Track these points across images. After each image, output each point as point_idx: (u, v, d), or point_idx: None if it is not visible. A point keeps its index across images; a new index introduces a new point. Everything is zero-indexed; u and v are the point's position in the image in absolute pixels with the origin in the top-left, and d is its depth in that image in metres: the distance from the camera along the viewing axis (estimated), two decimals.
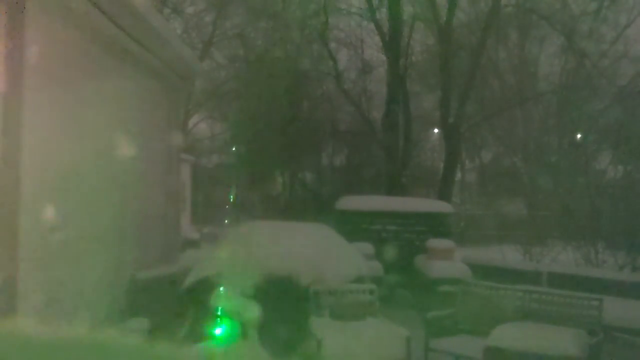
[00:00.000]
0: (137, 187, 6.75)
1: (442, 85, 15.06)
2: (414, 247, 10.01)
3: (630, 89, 14.88)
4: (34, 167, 4.26)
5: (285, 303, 5.57)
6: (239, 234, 7.16)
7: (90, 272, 5.42)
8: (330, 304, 5.87)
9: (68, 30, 4.90)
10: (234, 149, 21.19)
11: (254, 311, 4.88)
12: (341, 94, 17.49)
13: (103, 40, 5.65)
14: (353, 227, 9.91)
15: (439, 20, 14.61)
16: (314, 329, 5.33)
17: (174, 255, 8.02)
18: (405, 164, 15.45)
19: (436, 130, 20.25)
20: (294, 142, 16.97)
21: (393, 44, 15.00)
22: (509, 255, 10.20)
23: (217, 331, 4.86)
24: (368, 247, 9.21)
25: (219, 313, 4.99)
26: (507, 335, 5.12)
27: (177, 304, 6.07)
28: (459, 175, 21.32)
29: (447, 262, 8.96)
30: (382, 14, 15.45)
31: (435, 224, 10.55)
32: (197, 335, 5.11)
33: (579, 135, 17.19)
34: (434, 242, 9.39)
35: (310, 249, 6.41)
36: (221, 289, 5.37)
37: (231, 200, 19.05)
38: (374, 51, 17.09)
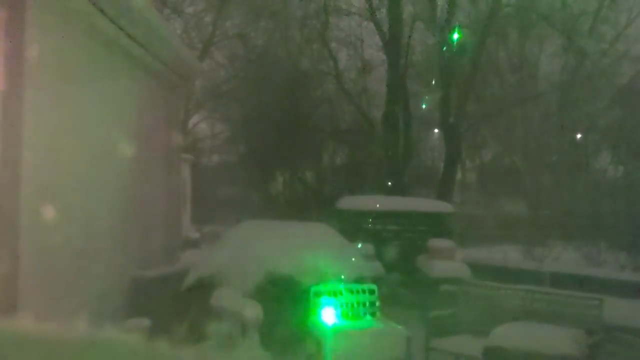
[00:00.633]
0: (138, 187, 6.75)
1: (442, 85, 15.05)
2: (414, 247, 10.00)
3: (630, 88, 14.87)
4: (34, 167, 4.26)
5: (285, 303, 5.56)
6: (239, 233, 7.15)
7: (91, 272, 5.42)
8: (330, 304, 5.86)
9: (68, 30, 4.90)
10: (233, 148, 21.19)
11: (254, 311, 4.88)
12: (341, 93, 17.48)
13: (103, 40, 5.65)
14: (353, 227, 9.90)
15: (439, 20, 14.60)
16: (314, 329, 5.32)
17: (174, 255, 8.02)
18: (405, 164, 15.44)
19: (436, 130, 20.23)
20: (294, 142, 16.95)
21: (393, 44, 14.98)
22: (510, 255, 10.20)
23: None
24: (368, 247, 9.20)
25: (218, 313, 4.99)
26: (507, 335, 5.11)
27: (177, 303, 6.07)
28: (459, 175, 21.30)
29: (448, 261, 8.96)
30: (382, 14, 15.44)
31: (435, 224, 10.54)
32: (197, 335, 5.11)
33: (579, 135, 17.19)
34: (435, 242, 9.38)
35: (311, 249, 6.40)
36: (221, 288, 5.36)
37: (231, 199, 19.04)
38: (374, 51, 17.07)
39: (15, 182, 4.10)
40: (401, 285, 9.32)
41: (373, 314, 5.91)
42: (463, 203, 20.61)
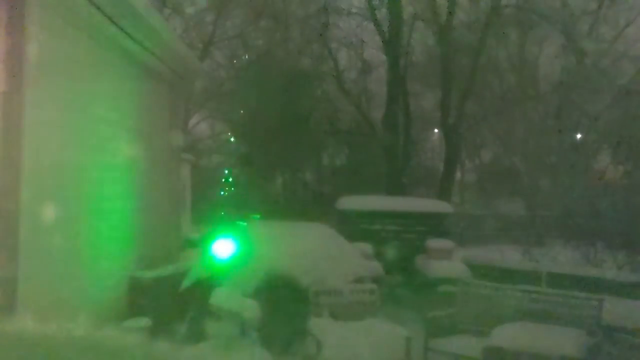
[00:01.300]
0: (138, 187, 6.75)
1: (442, 85, 15.06)
2: (413, 247, 10.00)
3: (630, 88, 14.87)
4: (34, 167, 4.26)
5: (285, 303, 5.57)
6: (239, 234, 7.15)
7: (91, 272, 5.43)
8: (330, 304, 5.87)
9: (68, 30, 4.90)
10: (234, 148, 21.19)
11: (254, 311, 4.88)
12: (341, 94, 17.48)
13: (103, 40, 5.65)
14: (353, 227, 9.91)
15: (439, 20, 14.61)
16: (314, 329, 5.33)
17: (175, 255, 8.03)
18: (405, 164, 15.45)
19: (436, 130, 20.24)
20: (294, 142, 16.95)
21: (393, 44, 14.99)
22: (509, 255, 10.20)
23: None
24: (368, 247, 9.20)
25: (218, 313, 5.00)
26: (506, 335, 5.12)
27: (177, 303, 6.08)
28: (458, 175, 21.32)
29: (447, 262, 8.97)
30: (382, 14, 15.44)
31: (435, 224, 10.55)
32: (197, 335, 5.11)
33: (579, 135, 17.18)
34: (434, 242, 9.39)
35: (310, 249, 6.41)
36: (221, 288, 5.37)
37: (231, 199, 19.05)
38: (374, 51, 17.08)
39: (16, 182, 4.10)
40: (400, 286, 9.33)
41: (373, 314, 5.91)
42: (462, 203, 20.63)
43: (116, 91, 6.16)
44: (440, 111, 15.39)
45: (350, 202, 11.21)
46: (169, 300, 6.13)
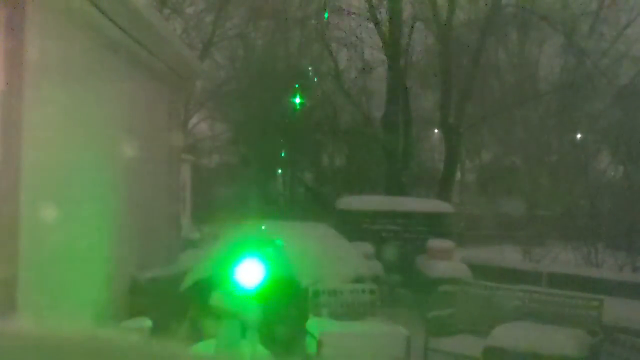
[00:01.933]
0: (138, 187, 6.75)
1: (442, 85, 15.05)
2: (414, 246, 10.01)
3: (630, 89, 14.87)
4: (34, 167, 4.26)
5: (285, 303, 5.57)
6: (239, 234, 7.15)
7: (91, 272, 5.42)
8: (330, 304, 5.87)
9: (68, 30, 4.90)
10: (234, 149, 21.19)
11: (254, 311, 4.88)
12: (341, 93, 17.48)
13: (103, 40, 5.65)
14: (353, 227, 9.92)
15: (439, 20, 14.60)
16: (314, 329, 5.33)
17: (175, 255, 8.03)
18: (405, 164, 15.44)
19: (436, 130, 20.23)
20: (294, 142, 16.96)
21: (393, 44, 14.99)
22: (509, 256, 10.20)
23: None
24: (368, 247, 9.21)
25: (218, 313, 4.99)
26: (506, 335, 5.12)
27: (177, 304, 6.07)
28: (459, 175, 21.31)
29: (447, 262, 8.97)
30: (382, 14, 15.44)
31: (435, 224, 10.55)
32: (197, 335, 5.11)
33: (579, 135, 17.18)
34: (434, 242, 9.39)
35: (311, 249, 6.41)
36: (221, 288, 5.36)
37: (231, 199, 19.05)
38: (374, 51, 17.07)
39: (15, 183, 4.10)
40: (400, 285, 9.34)
41: (373, 314, 5.92)
42: (462, 203, 20.62)
43: (116, 91, 6.16)
44: (440, 111, 15.37)
45: (350, 202, 11.22)
46: (169, 300, 6.13)
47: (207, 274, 5.86)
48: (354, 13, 16.30)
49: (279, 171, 19.40)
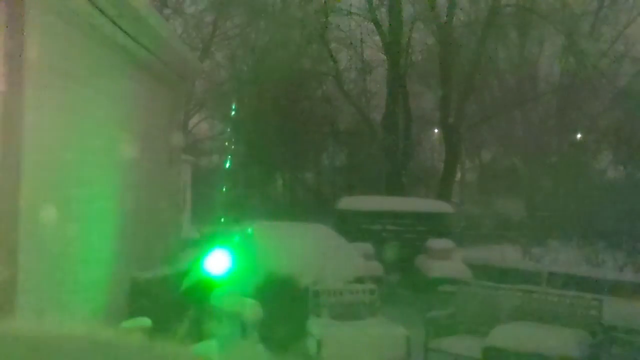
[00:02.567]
0: (138, 187, 6.75)
1: (442, 85, 15.06)
2: (414, 247, 10.01)
3: (630, 89, 14.88)
4: (34, 167, 4.26)
5: (285, 303, 5.57)
6: (239, 234, 7.16)
7: (91, 272, 5.42)
8: (330, 304, 5.87)
9: (68, 30, 4.90)
10: (234, 149, 21.20)
11: (254, 311, 4.88)
12: (341, 94, 17.49)
13: (103, 40, 5.65)
14: (353, 227, 9.92)
15: (439, 20, 14.61)
16: (314, 329, 5.33)
17: (175, 255, 8.03)
18: (405, 164, 15.45)
19: (436, 130, 20.24)
20: (294, 142, 16.96)
21: (393, 44, 15.00)
22: (509, 255, 10.21)
23: None
24: (368, 247, 9.21)
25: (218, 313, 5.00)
26: (506, 335, 5.12)
27: (177, 303, 6.08)
28: (458, 175, 21.31)
29: (447, 262, 8.97)
30: (382, 14, 15.45)
31: (435, 224, 10.55)
32: (197, 335, 5.11)
33: (579, 135, 17.19)
34: (434, 242, 9.39)
35: (311, 249, 6.42)
36: (221, 288, 5.37)
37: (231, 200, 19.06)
38: (374, 51, 17.09)
39: (16, 182, 4.10)
40: (400, 286, 9.34)
41: (373, 314, 5.92)
42: (462, 203, 20.62)
43: (116, 91, 6.16)
44: (440, 111, 15.39)
45: (350, 202, 11.23)
46: (169, 300, 6.13)
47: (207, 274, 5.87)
48: (354, 13, 16.31)
49: (279, 171, 19.40)
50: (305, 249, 6.36)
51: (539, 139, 16.81)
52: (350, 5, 16.15)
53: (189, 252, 8.51)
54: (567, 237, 10.73)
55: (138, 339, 1.37)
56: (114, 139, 6.04)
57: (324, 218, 10.43)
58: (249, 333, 4.68)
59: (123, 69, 6.38)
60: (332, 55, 17.25)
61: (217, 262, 5.68)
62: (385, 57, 15.72)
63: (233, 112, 19.91)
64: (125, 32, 5.90)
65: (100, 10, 5.21)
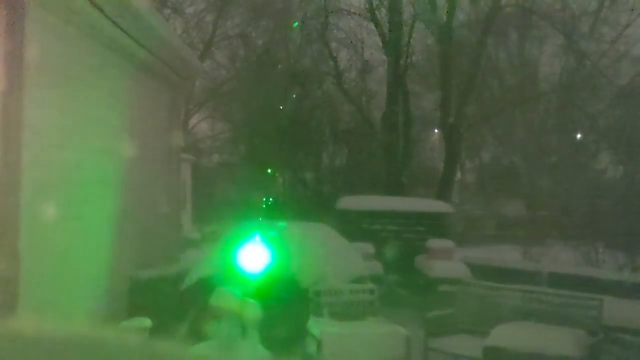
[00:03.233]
0: (138, 187, 6.75)
1: (442, 85, 15.06)
2: (413, 247, 10.01)
3: (630, 89, 14.87)
4: (34, 167, 4.26)
5: (285, 303, 5.56)
6: (239, 234, 7.15)
7: (91, 272, 5.43)
8: (330, 304, 5.86)
9: (68, 30, 4.90)
10: (234, 148, 21.21)
11: (254, 311, 4.88)
12: (341, 94, 17.49)
13: (103, 40, 5.65)
14: (353, 227, 9.91)
15: (439, 20, 14.61)
16: (314, 329, 5.33)
17: (175, 255, 8.03)
18: (405, 164, 15.45)
19: (436, 130, 20.24)
20: (294, 142, 16.96)
21: (393, 44, 14.99)
22: (509, 255, 10.21)
23: None
24: (368, 247, 9.21)
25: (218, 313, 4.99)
26: (506, 335, 5.12)
27: (177, 303, 6.07)
28: (458, 175, 21.32)
29: (447, 261, 8.97)
30: (382, 14, 15.45)
31: (435, 224, 10.55)
32: (197, 335, 5.11)
33: (579, 135, 17.18)
34: (434, 242, 9.39)
35: (311, 249, 6.41)
36: (221, 288, 5.36)
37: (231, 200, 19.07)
38: (374, 51, 17.08)
39: (15, 182, 4.10)
40: (400, 286, 9.34)
41: (372, 314, 5.91)
42: (462, 203, 20.63)
43: (116, 91, 6.16)
44: (440, 111, 15.38)
45: (350, 202, 11.22)
46: (169, 300, 6.13)
47: (207, 273, 5.86)
48: (354, 13, 16.32)
49: (279, 171, 19.40)
50: (306, 249, 6.36)
51: (539, 139, 16.81)
52: (351, 5, 16.19)
53: (189, 252, 8.51)
54: (567, 237, 10.72)
55: (138, 339, 1.37)
56: (113, 138, 6.04)
57: (324, 218, 10.42)
58: (249, 333, 4.68)
59: (123, 69, 6.38)
60: (332, 55, 17.26)
61: (254, 258, 4.68)
62: (385, 57, 15.72)
63: (233, 112, 19.93)
64: (125, 32, 5.90)
65: (100, 10, 5.21)
